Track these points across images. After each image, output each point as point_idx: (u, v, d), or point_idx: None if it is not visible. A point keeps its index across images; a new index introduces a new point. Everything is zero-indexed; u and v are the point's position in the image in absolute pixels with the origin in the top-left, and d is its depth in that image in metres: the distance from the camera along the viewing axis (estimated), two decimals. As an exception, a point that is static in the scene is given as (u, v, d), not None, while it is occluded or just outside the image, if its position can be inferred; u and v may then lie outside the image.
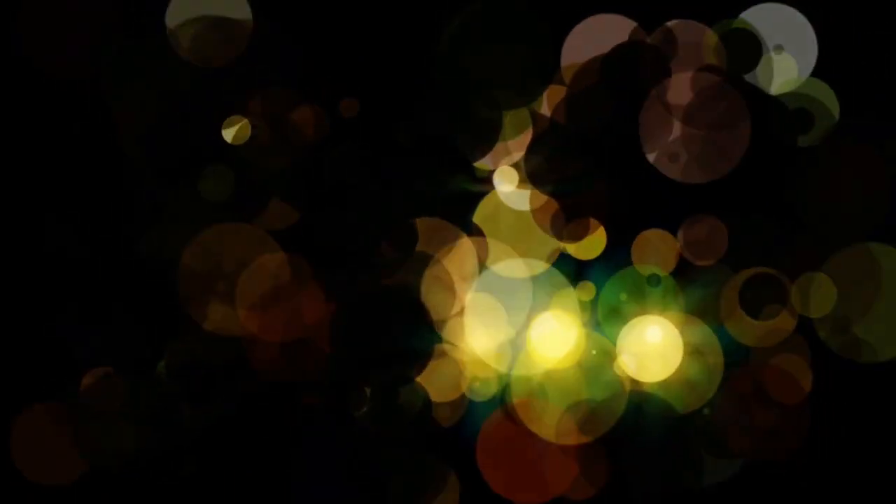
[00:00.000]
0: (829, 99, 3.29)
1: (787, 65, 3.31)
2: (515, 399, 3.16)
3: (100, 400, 3.06)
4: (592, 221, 3.24)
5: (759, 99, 3.28)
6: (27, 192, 3.12)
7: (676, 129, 3.25)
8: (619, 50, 3.26)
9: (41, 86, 3.07)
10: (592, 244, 3.24)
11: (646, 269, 3.23)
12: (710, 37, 3.28)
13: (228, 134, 3.10)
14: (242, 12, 3.09)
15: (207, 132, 3.11)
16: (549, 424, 3.15)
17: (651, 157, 3.25)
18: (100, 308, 3.09)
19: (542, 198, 3.25)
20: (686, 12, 3.27)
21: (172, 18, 3.06)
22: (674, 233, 3.24)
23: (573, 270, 3.23)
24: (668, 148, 3.25)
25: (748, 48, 3.31)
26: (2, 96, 3.10)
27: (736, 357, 3.18)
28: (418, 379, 3.16)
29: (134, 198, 3.10)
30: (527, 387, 3.17)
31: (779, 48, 3.29)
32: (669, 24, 3.27)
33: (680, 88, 3.26)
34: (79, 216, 3.11)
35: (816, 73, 3.30)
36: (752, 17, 3.31)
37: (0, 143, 3.12)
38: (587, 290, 3.21)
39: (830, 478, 3.21)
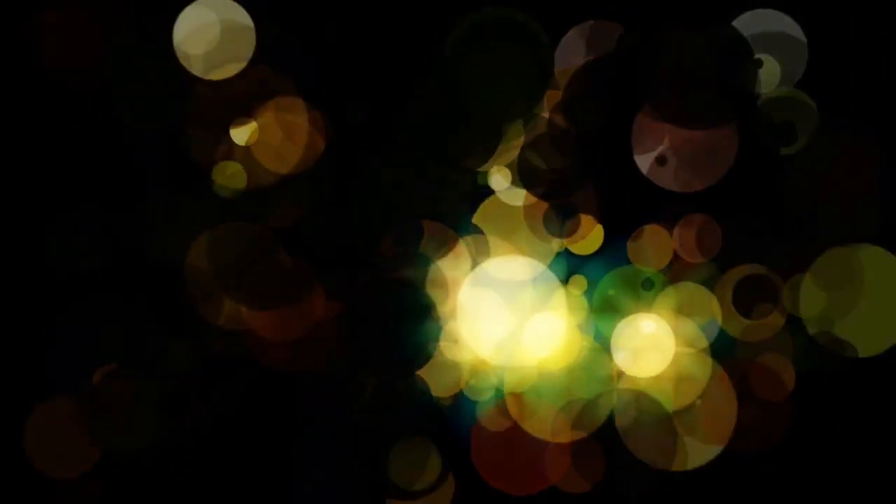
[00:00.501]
0: (812, 107, 3.33)
1: (775, 72, 3.35)
2: (510, 395, 3.22)
3: (110, 396, 3.11)
4: (590, 219, 3.29)
5: (748, 105, 3.32)
6: (37, 191, 3.16)
7: (665, 137, 3.29)
8: (610, 55, 3.30)
9: (43, 87, 3.12)
10: (590, 240, 3.29)
11: (641, 270, 3.29)
12: (701, 43, 3.33)
13: (234, 137, 3.14)
14: (245, 23, 3.14)
15: (212, 136, 3.16)
16: (543, 421, 3.20)
17: (642, 167, 3.30)
18: (108, 307, 3.13)
19: (540, 197, 3.30)
20: (678, 18, 3.30)
21: (179, 34, 3.11)
22: (669, 230, 3.29)
23: (571, 268, 3.27)
24: (658, 157, 3.29)
25: (738, 55, 3.35)
26: (8, 98, 3.15)
27: (725, 354, 3.24)
28: (417, 375, 3.20)
29: (141, 197, 3.14)
30: (521, 383, 3.22)
31: (760, 59, 3.31)
32: (661, 29, 3.30)
33: (670, 95, 3.30)
34: (86, 216, 3.14)
35: (807, 78, 3.34)
36: (743, 23, 3.34)
37: (9, 143, 3.16)
38: (579, 284, 3.27)
39: (815, 471, 3.28)
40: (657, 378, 3.21)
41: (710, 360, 3.22)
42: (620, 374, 3.23)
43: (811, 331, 3.26)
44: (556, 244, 3.29)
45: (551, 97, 3.29)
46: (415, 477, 3.22)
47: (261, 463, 3.20)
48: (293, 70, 3.18)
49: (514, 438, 3.20)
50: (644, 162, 3.29)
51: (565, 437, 3.21)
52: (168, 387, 3.13)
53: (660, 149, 3.28)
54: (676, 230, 3.29)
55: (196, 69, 3.11)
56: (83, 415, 3.11)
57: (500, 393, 3.23)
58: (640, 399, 3.21)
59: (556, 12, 3.27)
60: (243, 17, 3.12)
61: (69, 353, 3.09)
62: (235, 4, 3.12)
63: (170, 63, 3.09)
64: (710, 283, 3.27)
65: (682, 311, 3.25)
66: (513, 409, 3.22)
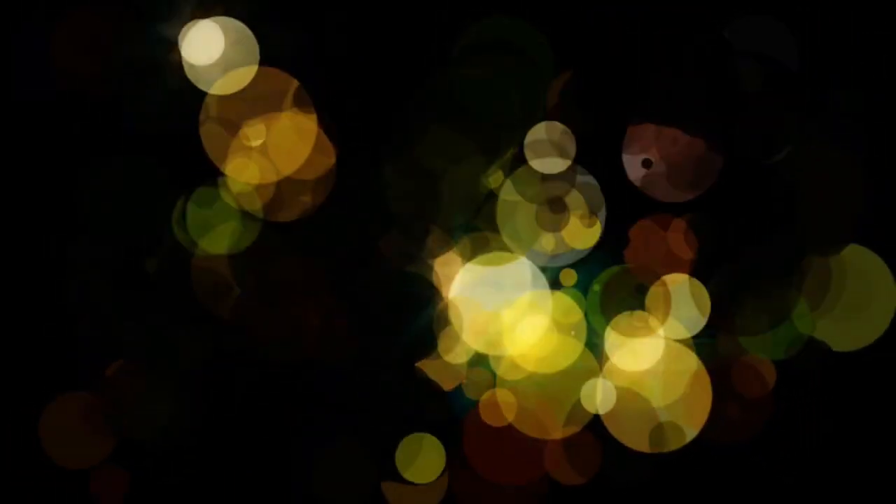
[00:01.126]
0: (799, 112, 3.37)
1: (764, 78, 3.38)
2: (504, 390, 3.28)
3: (121, 391, 3.17)
4: (585, 217, 3.35)
5: (738, 111, 3.37)
6: (51, 190, 3.21)
7: (653, 146, 3.35)
8: (607, 59, 3.37)
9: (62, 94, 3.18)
10: (586, 237, 3.36)
11: (632, 271, 3.36)
12: (693, 49, 3.37)
13: (241, 139, 3.19)
14: (248, 38, 3.19)
15: (219, 138, 3.22)
16: (535, 415, 3.26)
17: (630, 174, 3.36)
18: (119, 304, 3.19)
19: (541, 196, 3.36)
20: (672, 22, 3.34)
21: (187, 50, 3.17)
22: (661, 230, 3.35)
23: (566, 268, 3.34)
24: (644, 160, 3.35)
25: (728, 62, 3.40)
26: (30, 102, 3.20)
27: (712, 351, 3.30)
28: (415, 370, 3.27)
29: (149, 198, 3.20)
30: (516, 378, 3.29)
31: (749, 65, 3.38)
32: (654, 34, 3.35)
33: (662, 100, 3.36)
34: (97, 214, 3.20)
35: (800, 79, 3.35)
36: (735, 30, 3.36)
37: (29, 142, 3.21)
38: (573, 283, 3.34)
39: (801, 464, 3.33)
40: (644, 373, 3.28)
41: (695, 357, 3.29)
42: (610, 370, 3.29)
43: (798, 327, 3.31)
44: (553, 243, 3.34)
45: (551, 100, 3.35)
46: (411, 469, 3.28)
47: (262, 457, 3.25)
48: (296, 73, 3.23)
49: (507, 432, 3.26)
50: (632, 167, 3.37)
51: (557, 431, 3.27)
52: (177, 382, 3.19)
53: (646, 154, 3.34)
54: (667, 230, 3.35)
55: (203, 85, 3.18)
56: (96, 408, 3.18)
57: (494, 387, 3.29)
58: (627, 393, 3.28)
59: (556, 15, 3.33)
60: (245, 33, 3.19)
61: (83, 349, 3.17)
62: (237, 22, 3.19)
63: (179, 71, 3.17)
64: (698, 282, 3.33)
65: (670, 309, 3.31)
66: (506, 404, 3.28)
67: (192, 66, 3.18)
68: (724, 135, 3.34)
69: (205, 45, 3.19)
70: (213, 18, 3.19)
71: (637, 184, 3.35)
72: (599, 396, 3.28)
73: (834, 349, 3.31)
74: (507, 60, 3.31)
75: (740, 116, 3.35)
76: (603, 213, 3.36)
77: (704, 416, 3.24)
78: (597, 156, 3.35)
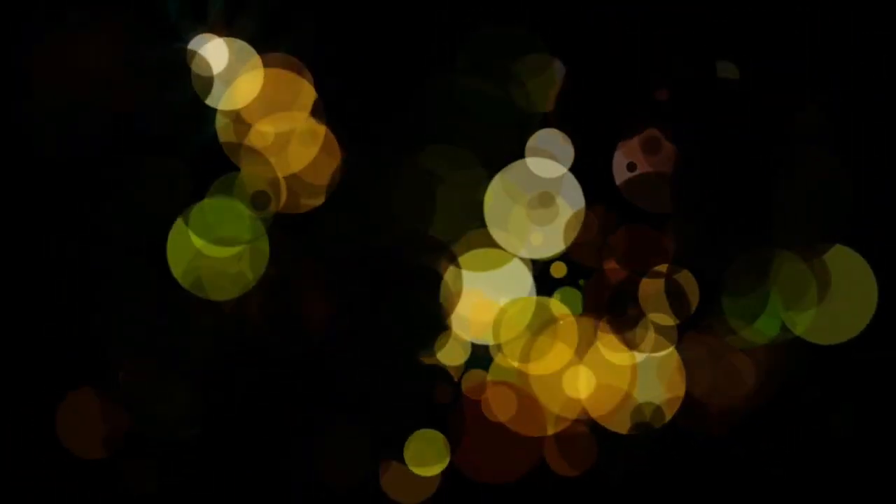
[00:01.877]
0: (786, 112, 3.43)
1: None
2: (500, 386, 3.36)
3: (133, 387, 3.24)
4: (579, 214, 3.41)
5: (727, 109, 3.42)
6: (67, 191, 3.24)
7: (642, 154, 3.43)
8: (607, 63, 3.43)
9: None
10: (577, 233, 3.42)
11: (622, 270, 3.43)
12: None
13: (248, 142, 3.26)
14: (251, 56, 3.27)
15: (227, 139, 3.28)
16: (528, 412, 3.34)
17: (617, 177, 3.44)
18: (130, 302, 3.24)
19: (533, 195, 3.42)
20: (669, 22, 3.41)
21: (196, 67, 3.25)
22: (649, 230, 3.43)
23: (560, 268, 3.43)
24: (629, 163, 3.42)
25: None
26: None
27: (695, 344, 3.39)
28: (414, 368, 3.33)
29: (158, 197, 3.24)
30: (509, 376, 3.38)
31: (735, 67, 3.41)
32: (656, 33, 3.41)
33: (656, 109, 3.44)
34: (106, 214, 3.23)
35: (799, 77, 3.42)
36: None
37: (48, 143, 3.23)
38: (560, 269, 3.41)
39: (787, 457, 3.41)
40: (629, 364, 3.36)
41: (675, 350, 3.38)
42: (598, 362, 3.37)
43: (780, 321, 3.39)
44: (542, 239, 3.41)
45: (550, 104, 3.41)
46: (413, 464, 3.33)
47: (262, 455, 3.29)
48: (302, 76, 3.28)
49: (503, 427, 3.34)
50: (618, 171, 3.44)
51: (551, 425, 3.34)
52: (181, 379, 3.24)
53: (633, 159, 3.42)
54: (654, 227, 3.43)
55: (211, 102, 3.27)
56: (109, 402, 3.24)
57: (489, 384, 3.36)
58: (613, 383, 3.36)
59: (556, 17, 3.39)
60: (248, 52, 3.28)
61: (93, 347, 3.22)
62: (240, 41, 3.28)
63: (185, 79, 3.24)
64: (683, 277, 3.40)
65: (656, 302, 3.39)
66: (501, 400, 3.36)
67: (198, 76, 3.28)
68: (713, 139, 3.40)
69: (210, 57, 3.28)
70: (221, 38, 3.28)
71: (622, 188, 3.42)
72: (586, 387, 3.36)
73: (817, 343, 3.39)
74: (508, 65, 3.37)
75: (728, 119, 3.41)
76: (585, 210, 3.43)
77: (679, 401, 3.32)
78: (596, 157, 3.42)
